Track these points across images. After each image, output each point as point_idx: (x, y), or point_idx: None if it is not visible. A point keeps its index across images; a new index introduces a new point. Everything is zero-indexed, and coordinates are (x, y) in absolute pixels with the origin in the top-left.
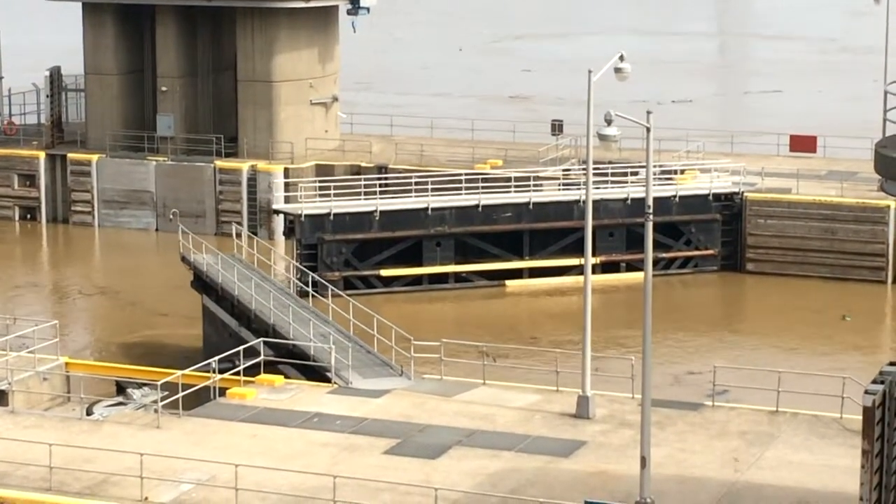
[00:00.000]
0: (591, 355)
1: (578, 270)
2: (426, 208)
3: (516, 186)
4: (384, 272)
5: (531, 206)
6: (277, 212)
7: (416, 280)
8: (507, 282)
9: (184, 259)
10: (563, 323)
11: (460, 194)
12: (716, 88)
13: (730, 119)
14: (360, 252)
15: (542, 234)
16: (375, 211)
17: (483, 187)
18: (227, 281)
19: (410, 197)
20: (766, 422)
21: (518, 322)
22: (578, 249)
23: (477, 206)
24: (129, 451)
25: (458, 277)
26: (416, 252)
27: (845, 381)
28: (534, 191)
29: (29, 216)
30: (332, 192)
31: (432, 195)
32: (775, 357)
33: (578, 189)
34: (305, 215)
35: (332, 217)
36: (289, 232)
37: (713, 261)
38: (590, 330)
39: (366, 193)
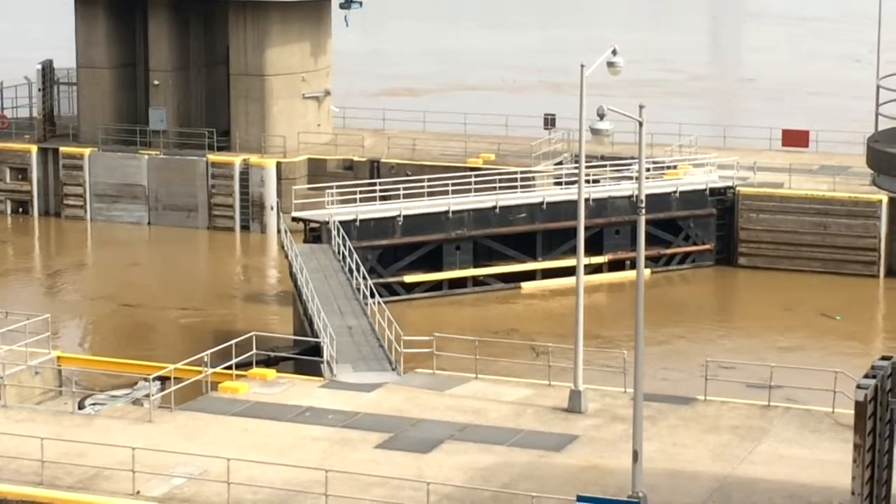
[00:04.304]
0: (585, 349)
1: (589, 269)
2: (447, 211)
3: (522, 186)
4: (407, 278)
5: (544, 206)
6: (297, 219)
7: (437, 285)
8: (523, 284)
9: (282, 248)
10: (569, 322)
11: (470, 195)
12: None
13: (723, 113)
14: (383, 258)
15: (554, 234)
16: (399, 215)
17: (478, 186)
18: (297, 271)
19: (427, 200)
20: (758, 416)
21: (530, 322)
22: (589, 248)
23: (494, 207)
24: (121, 446)
25: (476, 281)
26: (435, 256)
27: (837, 376)
28: (543, 189)
29: (21, 210)
30: (357, 196)
31: (452, 197)
32: (767, 351)
33: (588, 186)
34: (333, 222)
35: (357, 223)
36: (313, 239)
37: (709, 256)
38: (582, 324)
39: (382, 197)
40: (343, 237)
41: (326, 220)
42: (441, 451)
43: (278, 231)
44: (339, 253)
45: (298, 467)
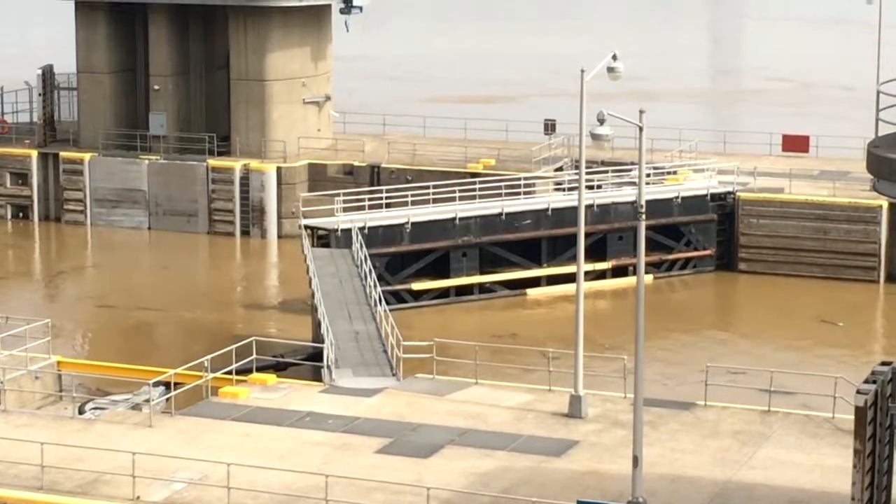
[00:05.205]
0: (585, 355)
1: (593, 275)
2: (453, 218)
3: (525, 192)
4: (415, 286)
5: (549, 213)
6: (306, 227)
7: (444, 292)
8: (528, 290)
9: (303, 252)
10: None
11: (475, 202)
12: None
13: (723, 118)
14: (390, 265)
15: (559, 240)
16: (407, 223)
17: (482, 192)
18: (312, 276)
19: (432, 206)
20: (759, 421)
21: (535, 328)
22: (593, 254)
23: (500, 213)
24: (121, 450)
25: (482, 288)
26: (442, 263)
27: (837, 381)
28: (548, 195)
29: (21, 215)
30: (366, 203)
31: (459, 203)
32: (767, 357)
33: (591, 192)
34: (342, 230)
35: (366, 230)
36: (321, 247)
37: (710, 261)
38: (582, 329)
39: (388, 204)
40: (361, 243)
41: (335, 227)
42: (441, 456)
43: (279, 236)
44: (356, 258)
45: (299, 472)
